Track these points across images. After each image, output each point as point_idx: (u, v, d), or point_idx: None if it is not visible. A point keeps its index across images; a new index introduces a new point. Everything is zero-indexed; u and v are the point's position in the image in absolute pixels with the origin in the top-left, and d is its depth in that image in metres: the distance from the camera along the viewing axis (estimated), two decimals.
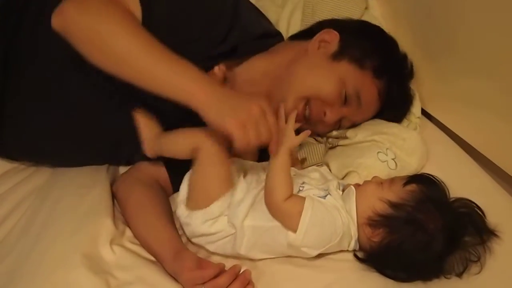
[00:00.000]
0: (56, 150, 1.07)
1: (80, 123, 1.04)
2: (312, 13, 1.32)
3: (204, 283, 0.85)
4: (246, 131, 0.80)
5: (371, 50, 1.06)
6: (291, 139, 0.90)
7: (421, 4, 1.18)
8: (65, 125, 1.03)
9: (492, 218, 0.93)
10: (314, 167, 1.09)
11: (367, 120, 1.13)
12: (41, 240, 0.92)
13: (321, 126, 1.09)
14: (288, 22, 1.33)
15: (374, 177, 0.98)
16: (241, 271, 0.88)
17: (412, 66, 1.15)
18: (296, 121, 0.99)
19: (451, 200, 0.92)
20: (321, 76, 1.04)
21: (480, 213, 0.91)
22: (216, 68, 1.00)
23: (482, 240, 0.89)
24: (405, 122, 1.17)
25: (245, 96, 0.86)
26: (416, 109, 1.19)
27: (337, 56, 1.05)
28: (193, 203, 0.92)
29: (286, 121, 0.92)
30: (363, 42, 1.07)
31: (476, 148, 1.13)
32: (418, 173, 1.01)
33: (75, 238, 0.92)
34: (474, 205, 0.92)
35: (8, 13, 1.01)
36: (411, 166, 1.09)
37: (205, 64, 0.99)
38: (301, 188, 0.93)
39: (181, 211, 0.94)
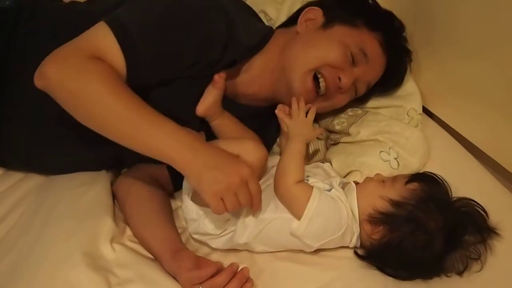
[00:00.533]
0: (53, 160, 1.06)
1: (82, 136, 1.01)
2: None
3: (202, 282, 0.85)
4: (221, 203, 0.83)
5: (355, 9, 1.07)
6: (309, 133, 0.97)
7: None
8: (63, 136, 1.01)
9: (493, 215, 0.93)
10: (317, 163, 1.09)
11: (378, 78, 1.12)
12: (41, 238, 0.93)
13: (339, 96, 1.07)
14: (287, 18, 1.33)
15: (376, 174, 0.98)
16: (239, 269, 0.88)
17: (399, 20, 1.14)
18: (308, 96, 1.02)
19: (453, 199, 0.92)
20: (321, 45, 1.04)
21: (482, 212, 0.91)
22: (216, 76, 0.99)
23: (483, 239, 0.89)
24: (406, 118, 1.16)
25: (231, 163, 0.85)
26: (417, 105, 1.18)
27: (326, 24, 1.06)
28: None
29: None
30: (344, 7, 1.08)
31: (476, 145, 1.12)
32: (421, 171, 1.00)
33: (75, 237, 0.92)
34: (476, 204, 0.92)
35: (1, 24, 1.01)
36: (413, 165, 1.09)
37: (206, 80, 1.00)
38: (306, 180, 0.93)
39: (190, 206, 0.93)
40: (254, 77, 1.05)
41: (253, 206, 0.88)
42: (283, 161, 0.92)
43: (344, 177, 1.08)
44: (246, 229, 0.91)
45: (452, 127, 1.18)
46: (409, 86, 1.19)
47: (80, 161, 1.07)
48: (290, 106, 1.01)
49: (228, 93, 1.05)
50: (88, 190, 1.01)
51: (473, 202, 0.92)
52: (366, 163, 1.07)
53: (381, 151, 1.08)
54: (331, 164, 1.11)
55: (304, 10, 1.08)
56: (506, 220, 0.95)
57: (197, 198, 0.92)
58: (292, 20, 1.13)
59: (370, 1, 1.13)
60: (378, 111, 1.18)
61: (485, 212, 0.91)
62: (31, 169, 1.10)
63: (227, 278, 0.86)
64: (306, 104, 1.01)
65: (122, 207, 1.02)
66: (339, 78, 1.03)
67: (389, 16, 1.14)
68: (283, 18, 1.31)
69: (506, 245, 0.92)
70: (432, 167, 1.08)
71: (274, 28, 1.18)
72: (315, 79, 1.03)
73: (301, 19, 1.08)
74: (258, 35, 1.05)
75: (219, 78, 0.99)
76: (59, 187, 1.03)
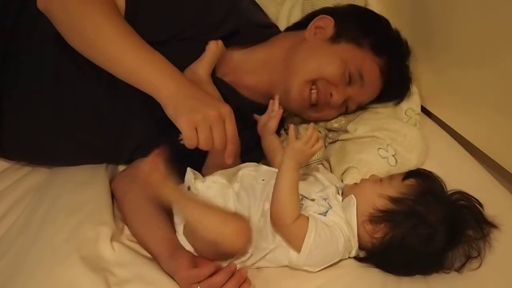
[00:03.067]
0: (54, 149, 1.07)
1: (79, 122, 1.04)
2: (311, 10, 1.32)
3: (199, 281, 0.85)
4: (195, 133, 0.81)
5: (366, 29, 1.08)
6: (306, 161, 0.93)
7: (419, 0, 1.18)
8: (63, 124, 1.03)
9: (491, 213, 0.93)
10: (311, 166, 1.09)
11: (371, 100, 1.14)
12: (40, 237, 0.93)
13: (328, 110, 1.10)
14: (287, 19, 1.33)
15: (372, 175, 0.98)
16: (237, 269, 0.88)
17: (407, 43, 1.16)
18: (302, 106, 1.05)
19: (449, 192, 0.92)
20: (323, 58, 1.05)
21: (478, 205, 0.91)
22: (212, 42, 0.99)
23: (482, 231, 0.89)
24: (405, 117, 1.17)
25: (212, 99, 0.86)
26: (415, 105, 1.19)
27: (334, 38, 1.07)
28: (195, 246, 0.91)
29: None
30: (356, 23, 1.09)
31: (475, 144, 1.12)
32: (415, 168, 1.00)
33: (74, 236, 0.92)
34: (472, 197, 0.92)
35: (5, 14, 1.01)
36: (411, 163, 1.09)
37: (205, 45, 1.02)
38: (301, 204, 0.91)
39: (184, 242, 0.92)
40: (255, 67, 1.08)
41: (226, 149, 0.85)
42: (276, 198, 0.87)
43: (342, 174, 1.09)
44: (246, 258, 0.91)
45: (451, 126, 1.18)
46: None
47: (79, 150, 1.08)
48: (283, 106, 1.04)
49: (229, 78, 1.08)
50: (86, 188, 1.01)
51: (467, 194, 0.92)
52: (364, 160, 1.07)
53: (379, 148, 1.08)
54: (329, 162, 1.11)
55: (317, 18, 1.10)
56: (504, 218, 0.94)
57: (189, 236, 0.92)
58: (302, 24, 1.14)
59: (383, 21, 1.14)
60: (376, 110, 1.18)
61: (480, 204, 0.92)
62: (32, 160, 1.11)
63: (225, 278, 0.85)
64: (297, 110, 1.05)
65: (120, 205, 1.02)
66: (331, 94, 1.05)
67: (397, 41, 1.15)
68: (283, 19, 1.32)
69: (504, 242, 0.92)
70: (430, 167, 1.07)
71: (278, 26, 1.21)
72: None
73: (311, 25, 1.09)
74: (260, 18, 1.09)
75: (215, 46, 1.00)
76: (57, 185, 1.03)
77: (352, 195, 0.93)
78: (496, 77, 1.01)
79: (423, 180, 0.91)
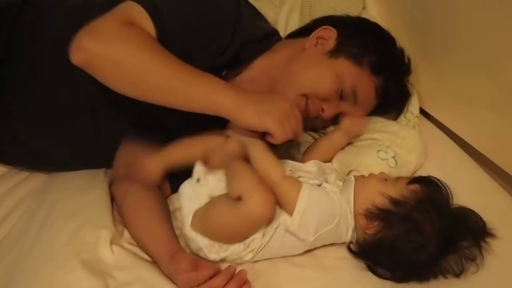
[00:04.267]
0: (53, 156, 1.07)
1: (77, 129, 1.04)
2: (309, 13, 1.33)
3: (199, 284, 0.85)
4: (284, 127, 0.89)
5: (369, 46, 1.06)
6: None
7: (418, 2, 1.18)
8: (61, 131, 1.04)
9: (490, 215, 0.93)
10: (315, 161, 1.08)
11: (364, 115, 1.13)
12: (39, 241, 0.93)
13: (319, 121, 1.10)
14: (286, 22, 1.34)
15: (381, 173, 0.98)
16: (236, 271, 0.88)
17: (409, 61, 1.16)
18: None
19: (453, 206, 0.92)
20: (318, 73, 1.04)
21: (480, 222, 0.91)
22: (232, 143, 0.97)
23: (478, 245, 0.89)
24: (403, 120, 1.17)
25: (268, 96, 0.94)
26: (414, 107, 1.19)
27: (334, 53, 1.06)
28: (207, 233, 0.91)
29: None
30: (360, 39, 1.07)
31: (473, 146, 1.13)
32: (425, 175, 0.98)
33: (73, 239, 0.92)
34: (477, 216, 0.91)
35: (1, 22, 1.01)
36: (410, 164, 1.09)
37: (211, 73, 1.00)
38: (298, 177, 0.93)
39: (194, 237, 0.92)
40: (254, 78, 1.07)
41: (299, 132, 0.93)
42: (257, 164, 0.90)
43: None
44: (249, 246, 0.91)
45: (449, 128, 1.19)
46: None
47: (78, 157, 1.08)
48: None
49: None
50: (86, 192, 1.01)
51: (473, 212, 0.91)
52: (364, 162, 1.07)
53: (378, 150, 1.09)
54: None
55: (321, 28, 1.08)
56: (503, 220, 0.95)
57: (196, 223, 0.92)
58: (304, 31, 1.13)
59: (389, 40, 1.13)
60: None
61: (484, 223, 0.91)
62: (31, 166, 1.11)
63: (224, 281, 0.85)
64: None
65: (120, 209, 1.02)
66: (322, 109, 1.05)
67: (399, 60, 1.14)
68: (281, 22, 1.32)
69: (503, 245, 0.92)
70: (430, 168, 1.09)
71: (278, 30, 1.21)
72: None
73: (314, 35, 1.08)
74: (263, 29, 1.08)
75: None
76: (57, 190, 1.03)
77: (352, 176, 0.95)
78: (495, 79, 1.01)
79: (428, 188, 0.90)
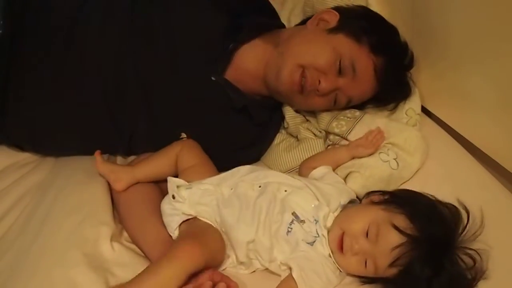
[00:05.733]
0: (57, 137, 1.08)
1: (80, 112, 1.05)
2: (312, 12, 1.32)
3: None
4: None
5: (370, 29, 1.07)
6: None
7: (419, 1, 1.18)
8: (66, 113, 1.05)
9: (491, 213, 0.93)
10: (311, 180, 1.04)
11: (363, 101, 1.14)
12: (40, 237, 0.93)
13: (316, 98, 1.09)
14: (288, 20, 1.34)
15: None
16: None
17: (412, 56, 1.15)
18: (292, 90, 1.06)
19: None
20: (316, 45, 1.06)
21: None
22: None
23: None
24: (405, 117, 1.17)
25: None
26: (416, 105, 1.18)
27: (334, 30, 1.07)
28: None
29: None
30: (362, 22, 1.09)
31: (475, 144, 1.12)
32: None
33: (74, 235, 0.92)
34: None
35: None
36: (412, 166, 1.09)
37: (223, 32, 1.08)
38: (289, 230, 0.90)
39: None
40: (255, 54, 1.10)
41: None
42: None
43: (344, 179, 1.08)
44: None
45: (451, 126, 1.18)
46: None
47: (87, 142, 1.10)
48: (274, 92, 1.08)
49: (234, 76, 1.10)
50: (86, 188, 1.01)
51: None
52: (366, 164, 1.07)
53: (380, 152, 1.08)
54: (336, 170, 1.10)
55: (324, 10, 1.12)
56: (504, 217, 0.95)
57: None
58: (307, 20, 1.16)
59: (391, 29, 1.14)
60: (376, 110, 1.18)
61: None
62: (41, 150, 1.13)
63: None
64: (286, 95, 1.09)
65: (117, 207, 1.02)
66: (319, 81, 1.05)
67: (401, 49, 1.13)
68: (283, 19, 1.32)
69: (504, 244, 0.91)
70: (431, 166, 1.09)
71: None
72: None
73: (316, 16, 1.11)
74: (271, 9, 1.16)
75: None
76: (58, 185, 1.03)
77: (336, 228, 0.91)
78: (496, 77, 1.01)
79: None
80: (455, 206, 0.93)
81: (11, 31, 1.01)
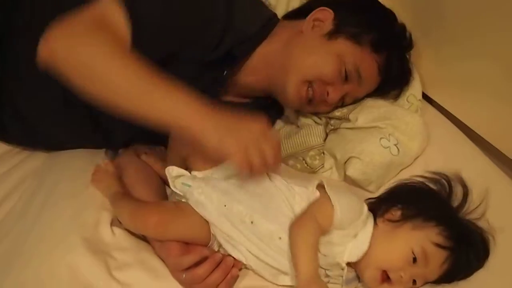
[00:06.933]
0: (52, 133, 1.07)
1: (69, 109, 1.03)
2: None
3: (184, 270, 0.85)
4: (248, 155, 0.78)
5: (368, 24, 1.04)
6: None
7: None
8: (56, 110, 1.03)
9: (492, 201, 0.93)
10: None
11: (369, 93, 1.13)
12: (39, 222, 0.92)
13: (324, 106, 1.10)
14: (287, 5, 1.31)
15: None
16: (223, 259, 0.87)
17: (410, 36, 1.14)
18: (300, 104, 1.04)
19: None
20: (319, 57, 1.03)
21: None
22: None
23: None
24: (406, 104, 1.16)
25: (244, 117, 0.82)
26: (417, 91, 1.18)
27: (332, 34, 1.03)
28: None
29: None
30: (358, 17, 1.05)
31: (476, 131, 1.12)
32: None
33: (74, 219, 0.92)
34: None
35: None
36: (412, 151, 1.09)
37: (201, 70, 0.99)
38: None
39: None
40: (254, 67, 1.05)
41: (274, 162, 0.82)
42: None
43: (345, 163, 1.08)
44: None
45: (452, 113, 1.17)
46: None
47: (78, 136, 1.08)
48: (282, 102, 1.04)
49: (231, 93, 1.07)
50: (87, 173, 1.00)
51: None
52: (366, 150, 1.06)
53: (381, 138, 1.08)
54: (334, 155, 1.10)
55: (316, 9, 1.06)
56: (505, 205, 0.95)
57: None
58: (300, 12, 1.11)
59: (388, 16, 1.11)
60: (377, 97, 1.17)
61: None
62: (33, 144, 1.11)
63: (209, 269, 0.84)
64: (294, 107, 1.06)
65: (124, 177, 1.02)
66: (328, 93, 1.04)
67: (400, 36, 1.11)
68: (282, 5, 1.30)
69: (507, 232, 0.91)
70: (432, 153, 1.09)
71: (277, 15, 1.17)
72: None
73: (310, 17, 1.06)
74: (260, 21, 1.04)
75: None
76: (57, 170, 1.03)
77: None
78: (498, 65, 1.00)
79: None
80: (441, 177, 0.95)
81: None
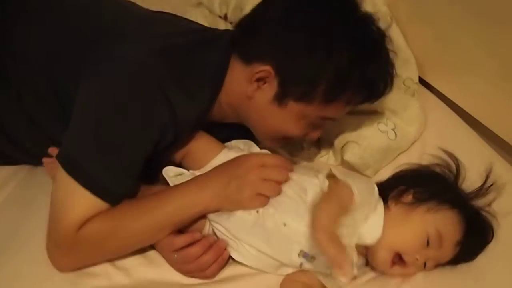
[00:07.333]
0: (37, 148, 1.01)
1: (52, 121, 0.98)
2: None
3: (176, 250, 0.85)
4: (261, 198, 0.86)
5: (316, 73, 0.85)
6: None
7: None
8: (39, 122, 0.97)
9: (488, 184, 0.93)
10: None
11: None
12: (32, 210, 0.93)
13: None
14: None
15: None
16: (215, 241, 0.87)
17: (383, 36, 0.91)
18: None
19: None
20: (277, 125, 0.92)
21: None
22: None
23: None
24: (402, 87, 1.15)
25: (232, 164, 0.88)
26: (413, 74, 1.17)
27: (280, 99, 0.88)
28: None
29: None
30: (299, 67, 0.86)
31: (472, 114, 1.12)
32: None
33: None
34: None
35: None
36: (410, 135, 1.09)
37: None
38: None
39: None
40: (221, 112, 0.96)
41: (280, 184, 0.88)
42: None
43: (342, 147, 1.08)
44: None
45: (449, 98, 1.17)
46: (405, 53, 1.17)
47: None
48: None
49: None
50: None
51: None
52: (364, 135, 1.06)
53: (378, 122, 1.07)
54: (332, 140, 1.10)
55: (254, 69, 0.87)
56: (502, 188, 0.94)
57: None
58: (246, 52, 0.90)
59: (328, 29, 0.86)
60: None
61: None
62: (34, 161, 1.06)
63: (201, 250, 0.85)
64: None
65: None
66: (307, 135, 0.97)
67: (365, 44, 0.88)
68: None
69: (502, 213, 0.91)
70: (429, 137, 1.09)
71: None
72: None
73: (252, 79, 0.88)
74: (208, 93, 0.92)
75: None
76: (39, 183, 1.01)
77: None
78: (495, 49, 1.00)
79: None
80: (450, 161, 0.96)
81: None
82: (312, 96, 0.86)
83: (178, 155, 0.97)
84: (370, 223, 0.84)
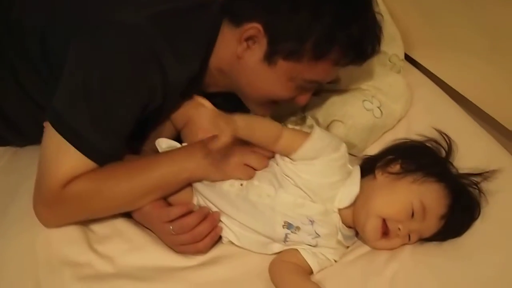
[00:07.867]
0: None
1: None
2: None
3: (171, 221, 0.85)
4: (246, 169, 0.89)
5: (303, 29, 0.86)
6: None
7: None
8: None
9: (474, 160, 0.93)
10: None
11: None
12: (18, 199, 0.91)
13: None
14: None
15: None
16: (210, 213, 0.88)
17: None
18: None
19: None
20: (267, 86, 0.92)
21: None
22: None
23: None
24: (388, 64, 1.14)
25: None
26: (399, 50, 1.16)
27: (269, 57, 0.89)
28: None
29: None
30: (290, 24, 0.87)
31: (460, 92, 1.11)
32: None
33: None
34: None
35: None
36: (396, 112, 1.08)
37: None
38: (287, 240, 0.86)
39: None
40: (212, 79, 0.97)
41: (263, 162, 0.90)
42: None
43: (327, 126, 1.07)
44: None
45: (436, 74, 1.16)
46: (391, 30, 1.15)
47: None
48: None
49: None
50: None
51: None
52: (349, 113, 1.05)
53: (364, 100, 1.06)
54: (316, 119, 1.08)
55: (245, 28, 0.88)
56: (488, 164, 0.93)
57: None
58: (234, 13, 0.92)
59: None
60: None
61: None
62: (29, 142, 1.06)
63: (197, 220, 0.85)
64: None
65: None
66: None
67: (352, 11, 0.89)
68: None
69: (491, 192, 0.90)
70: (416, 114, 1.08)
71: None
72: None
73: (241, 38, 0.89)
74: (198, 56, 0.92)
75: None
76: (23, 166, 1.00)
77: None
78: (481, 25, 0.99)
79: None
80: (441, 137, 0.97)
81: None
82: (301, 53, 0.87)
83: (179, 122, 0.97)
84: (347, 185, 0.86)
